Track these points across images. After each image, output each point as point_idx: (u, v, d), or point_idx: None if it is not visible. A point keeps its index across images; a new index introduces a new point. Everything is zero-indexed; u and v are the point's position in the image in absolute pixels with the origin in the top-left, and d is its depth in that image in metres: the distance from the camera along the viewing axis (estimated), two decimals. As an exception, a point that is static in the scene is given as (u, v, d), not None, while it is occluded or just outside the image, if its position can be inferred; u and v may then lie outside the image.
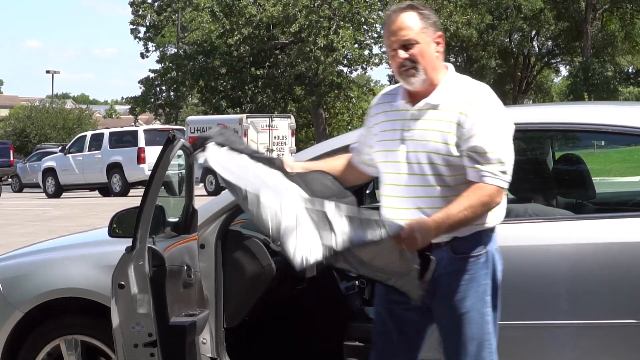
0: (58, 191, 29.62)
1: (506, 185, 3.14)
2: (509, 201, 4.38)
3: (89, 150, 28.93)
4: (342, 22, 38.38)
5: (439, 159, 3.14)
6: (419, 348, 3.36)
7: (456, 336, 3.21)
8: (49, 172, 29.75)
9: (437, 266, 3.13)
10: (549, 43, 53.16)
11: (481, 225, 3.21)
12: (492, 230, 3.26)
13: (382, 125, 3.31)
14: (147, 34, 45.43)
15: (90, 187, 29.66)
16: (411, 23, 3.17)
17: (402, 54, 3.17)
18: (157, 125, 43.53)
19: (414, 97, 3.24)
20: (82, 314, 4.42)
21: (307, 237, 2.98)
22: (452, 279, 3.18)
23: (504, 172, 3.12)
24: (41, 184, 30.32)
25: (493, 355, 3.26)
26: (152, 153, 25.97)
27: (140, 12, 44.44)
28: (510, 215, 4.01)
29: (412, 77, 3.18)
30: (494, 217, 3.24)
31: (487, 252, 3.23)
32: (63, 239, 5.53)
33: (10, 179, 37.79)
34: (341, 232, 2.95)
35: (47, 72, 69.85)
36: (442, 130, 3.15)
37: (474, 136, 3.11)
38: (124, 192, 27.88)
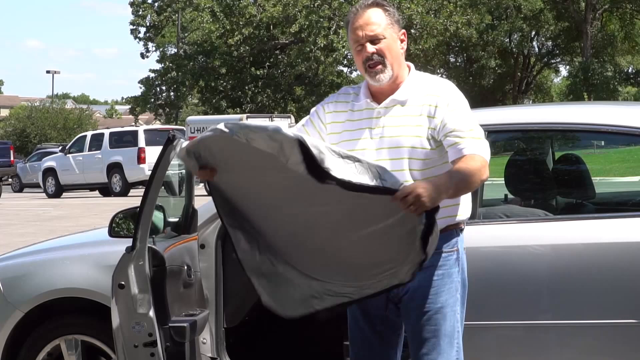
0: (58, 191, 29.62)
1: (488, 160, 3.13)
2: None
3: (89, 150, 28.94)
4: (342, 22, 38.37)
5: (413, 154, 3.15)
6: (397, 346, 3.36)
7: (428, 332, 3.20)
8: (49, 172, 29.75)
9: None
10: (549, 43, 53.16)
11: (452, 219, 3.23)
12: (461, 229, 3.28)
13: (345, 124, 3.28)
14: (147, 34, 45.45)
15: (91, 187, 29.66)
16: (378, 19, 3.20)
17: (370, 47, 3.19)
18: (157, 125, 43.54)
19: (377, 96, 3.26)
20: (82, 314, 4.43)
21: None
22: (426, 274, 3.18)
23: (484, 147, 3.13)
24: (41, 184, 30.32)
25: (460, 354, 3.26)
26: (152, 153, 25.97)
27: (140, 12, 44.46)
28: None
29: (380, 74, 3.20)
30: (463, 212, 3.26)
31: (457, 250, 3.25)
32: (63, 239, 5.53)
33: (10, 179, 37.80)
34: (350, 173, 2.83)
35: (48, 72, 69.91)
36: (413, 124, 3.18)
37: (449, 122, 3.13)
38: (124, 192, 27.88)
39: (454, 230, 3.25)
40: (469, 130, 3.12)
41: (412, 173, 3.16)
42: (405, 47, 3.28)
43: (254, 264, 3.23)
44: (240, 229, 3.20)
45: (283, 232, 3.15)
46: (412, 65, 3.32)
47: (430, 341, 3.20)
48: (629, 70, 52.83)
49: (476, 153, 3.07)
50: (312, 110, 3.42)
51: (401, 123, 3.19)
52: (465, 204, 3.27)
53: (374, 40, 3.19)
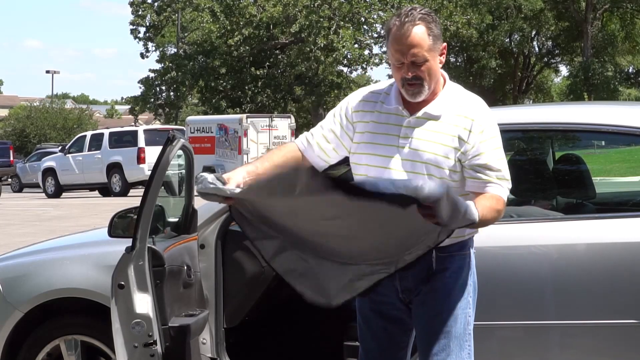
0: (58, 191, 29.63)
1: (506, 199, 3.14)
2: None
3: (89, 150, 28.95)
4: (342, 22, 38.38)
5: (435, 171, 3.11)
6: (407, 347, 3.35)
7: (438, 333, 3.18)
8: (49, 172, 29.76)
9: (423, 266, 3.14)
10: (549, 43, 53.20)
11: (469, 235, 3.23)
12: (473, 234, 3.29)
13: (372, 126, 3.22)
14: (147, 34, 45.41)
15: (90, 187, 29.67)
16: (423, 40, 3.09)
17: (412, 71, 3.10)
18: (157, 125, 43.53)
19: (409, 104, 3.19)
20: (82, 314, 4.43)
21: None
22: (439, 276, 3.18)
23: (507, 189, 3.14)
24: (41, 184, 30.33)
25: (471, 357, 3.26)
26: (152, 153, 25.99)
27: (140, 12, 44.42)
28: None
29: (417, 94, 3.13)
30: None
31: (469, 254, 3.25)
32: (63, 239, 5.53)
33: (10, 179, 37.80)
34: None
35: (47, 72, 69.92)
36: (443, 143, 3.12)
37: (481, 154, 3.10)
38: (124, 192, 27.89)
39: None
40: (498, 171, 3.10)
41: None
42: (444, 60, 3.19)
43: (287, 266, 3.18)
44: (264, 238, 3.16)
45: (306, 234, 3.12)
46: (446, 75, 3.25)
47: (441, 342, 3.19)
48: (630, 70, 52.84)
49: (499, 193, 3.09)
50: (337, 109, 3.32)
51: (431, 139, 3.13)
52: None
53: (417, 62, 3.10)
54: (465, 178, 3.15)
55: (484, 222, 3.01)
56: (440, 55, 3.17)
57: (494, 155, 3.13)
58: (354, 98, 3.31)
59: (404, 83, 3.13)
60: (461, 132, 3.13)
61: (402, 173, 3.12)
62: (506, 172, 3.15)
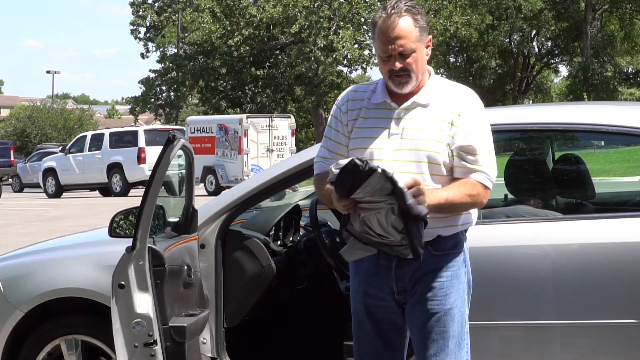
0: (58, 191, 29.65)
1: (491, 187, 3.17)
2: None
3: (89, 150, 28.98)
4: (342, 23, 38.38)
5: (432, 158, 3.14)
6: (403, 348, 3.35)
7: (436, 333, 3.19)
8: (50, 172, 29.78)
9: (418, 265, 3.15)
10: (549, 43, 53.21)
11: (468, 224, 3.25)
12: (466, 230, 3.30)
13: (360, 121, 3.25)
14: (148, 35, 45.40)
15: (91, 187, 29.70)
16: (409, 31, 3.12)
17: (399, 62, 3.13)
18: (157, 125, 43.53)
19: (396, 96, 3.22)
20: (82, 313, 4.43)
21: None
22: (435, 276, 3.18)
23: (491, 174, 3.16)
24: (42, 184, 30.35)
25: (469, 356, 3.27)
26: (152, 153, 26.02)
27: (140, 13, 44.39)
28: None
29: (404, 84, 3.17)
30: (474, 217, 3.30)
31: (464, 251, 3.26)
32: (63, 238, 5.53)
33: (10, 179, 37.80)
34: None
35: (48, 72, 69.99)
36: (434, 129, 3.15)
37: (468, 135, 3.14)
38: (124, 192, 27.92)
39: (461, 233, 3.26)
40: (482, 154, 3.13)
41: (433, 177, 3.15)
42: (430, 52, 3.23)
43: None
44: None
45: None
46: (431, 70, 3.29)
47: (439, 343, 3.20)
48: (629, 71, 52.85)
49: (479, 180, 3.12)
50: (331, 117, 3.34)
51: (422, 126, 3.16)
52: (474, 211, 3.30)
53: (404, 54, 3.13)
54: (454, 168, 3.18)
55: (450, 209, 3.09)
56: (427, 47, 3.21)
57: (481, 139, 3.16)
58: (341, 99, 3.35)
59: (390, 75, 3.17)
60: (451, 116, 3.16)
61: (395, 163, 3.12)
62: (491, 158, 3.17)
